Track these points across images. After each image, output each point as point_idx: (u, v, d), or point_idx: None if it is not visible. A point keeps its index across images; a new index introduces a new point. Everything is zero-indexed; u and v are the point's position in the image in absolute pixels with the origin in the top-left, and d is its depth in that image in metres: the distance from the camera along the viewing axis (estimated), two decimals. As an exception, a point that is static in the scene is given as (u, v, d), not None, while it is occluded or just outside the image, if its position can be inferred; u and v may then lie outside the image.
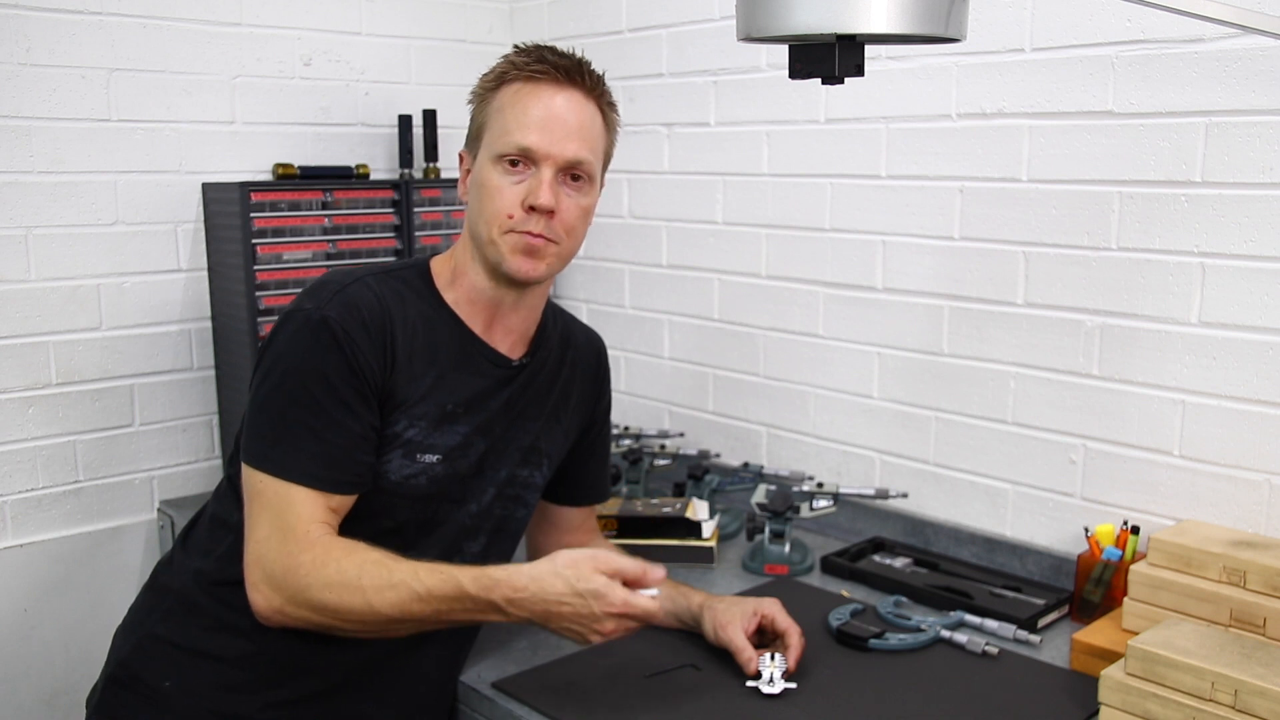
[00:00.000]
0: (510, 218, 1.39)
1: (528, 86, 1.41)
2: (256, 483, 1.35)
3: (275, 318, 2.17)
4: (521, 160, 1.39)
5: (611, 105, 1.48)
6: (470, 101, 1.48)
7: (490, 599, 1.29)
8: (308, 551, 1.31)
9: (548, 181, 1.39)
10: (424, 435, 1.42)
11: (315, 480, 1.34)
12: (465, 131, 1.49)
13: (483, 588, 1.29)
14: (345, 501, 1.38)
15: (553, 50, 1.44)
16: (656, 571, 1.31)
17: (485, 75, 1.47)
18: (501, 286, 1.45)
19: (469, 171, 1.48)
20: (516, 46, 1.47)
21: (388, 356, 1.38)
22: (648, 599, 1.28)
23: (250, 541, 1.35)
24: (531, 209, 1.39)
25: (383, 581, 1.29)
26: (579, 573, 1.27)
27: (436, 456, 1.43)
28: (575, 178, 1.42)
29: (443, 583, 1.29)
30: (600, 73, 1.46)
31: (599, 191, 1.48)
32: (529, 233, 1.40)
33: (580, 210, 1.44)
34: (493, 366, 1.49)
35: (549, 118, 1.39)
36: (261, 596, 1.33)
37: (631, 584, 1.29)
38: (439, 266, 1.50)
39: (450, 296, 1.47)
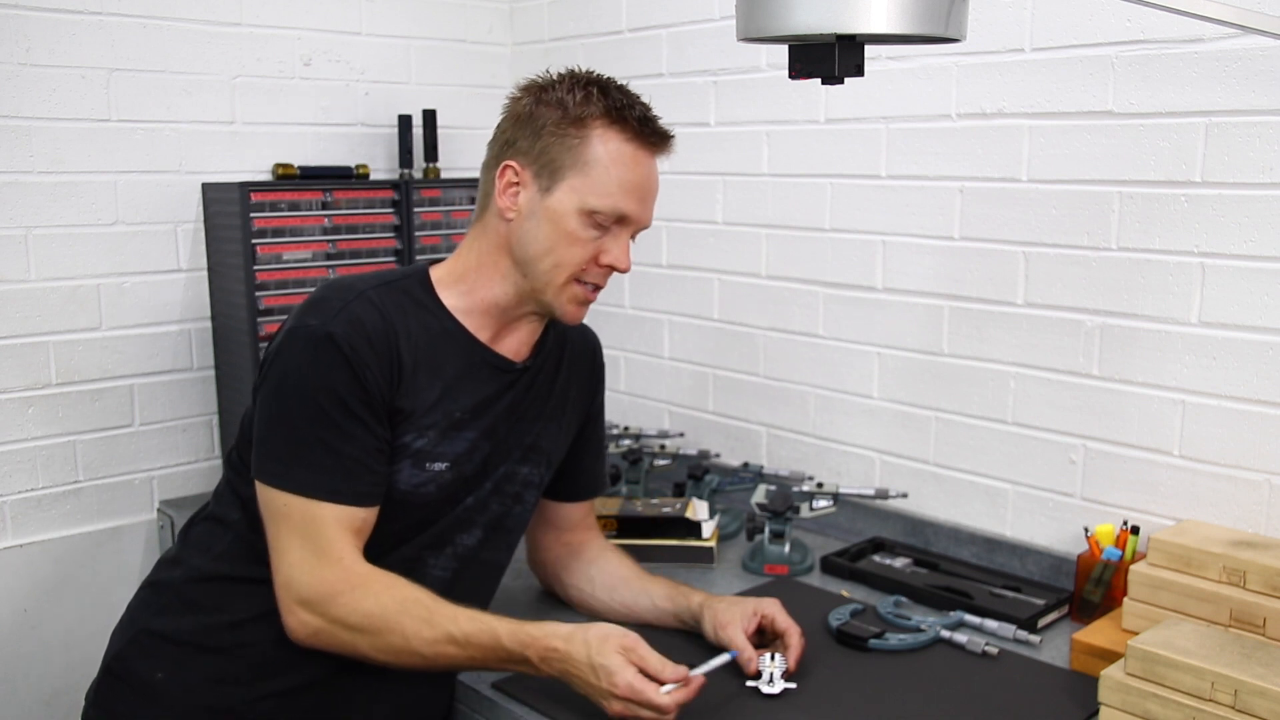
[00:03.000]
0: (583, 270, 1.43)
1: (639, 152, 1.42)
2: (279, 503, 1.35)
3: (275, 318, 2.20)
4: (611, 221, 1.42)
5: None
6: (551, 129, 1.41)
7: (524, 654, 1.32)
8: (344, 579, 1.33)
9: (627, 246, 1.44)
10: (432, 444, 1.43)
11: (337, 495, 1.34)
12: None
13: (519, 643, 1.32)
14: (369, 518, 1.38)
15: (650, 112, 1.44)
16: (677, 670, 1.30)
17: (567, 97, 1.40)
18: (526, 311, 1.48)
19: (515, 186, 1.43)
20: (598, 76, 1.43)
21: (394, 371, 1.39)
22: (656, 690, 1.28)
23: (281, 565, 1.35)
24: (608, 267, 1.44)
25: (422, 621, 1.32)
26: (601, 646, 1.29)
27: (445, 464, 1.44)
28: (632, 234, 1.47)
29: (480, 631, 1.32)
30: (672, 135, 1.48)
31: None
32: (593, 285, 1.45)
33: None
34: (499, 372, 1.49)
35: (646, 188, 1.44)
36: (297, 620, 1.34)
37: (650, 676, 1.29)
38: (441, 275, 1.49)
39: (459, 306, 1.47)
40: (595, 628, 1.32)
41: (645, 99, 1.46)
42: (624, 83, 1.47)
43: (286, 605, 1.35)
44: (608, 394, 1.77)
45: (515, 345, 1.51)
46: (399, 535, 1.44)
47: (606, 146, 1.40)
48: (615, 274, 1.48)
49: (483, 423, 1.47)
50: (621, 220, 1.42)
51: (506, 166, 1.44)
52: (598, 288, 1.47)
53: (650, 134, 1.43)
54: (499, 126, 1.47)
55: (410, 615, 1.32)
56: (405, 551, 1.45)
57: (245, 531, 1.45)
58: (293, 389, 1.36)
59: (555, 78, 1.45)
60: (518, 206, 1.43)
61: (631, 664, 1.28)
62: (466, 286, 1.47)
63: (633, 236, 1.47)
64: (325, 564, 1.33)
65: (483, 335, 1.48)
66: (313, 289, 1.45)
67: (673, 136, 1.47)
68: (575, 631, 1.31)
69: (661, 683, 1.29)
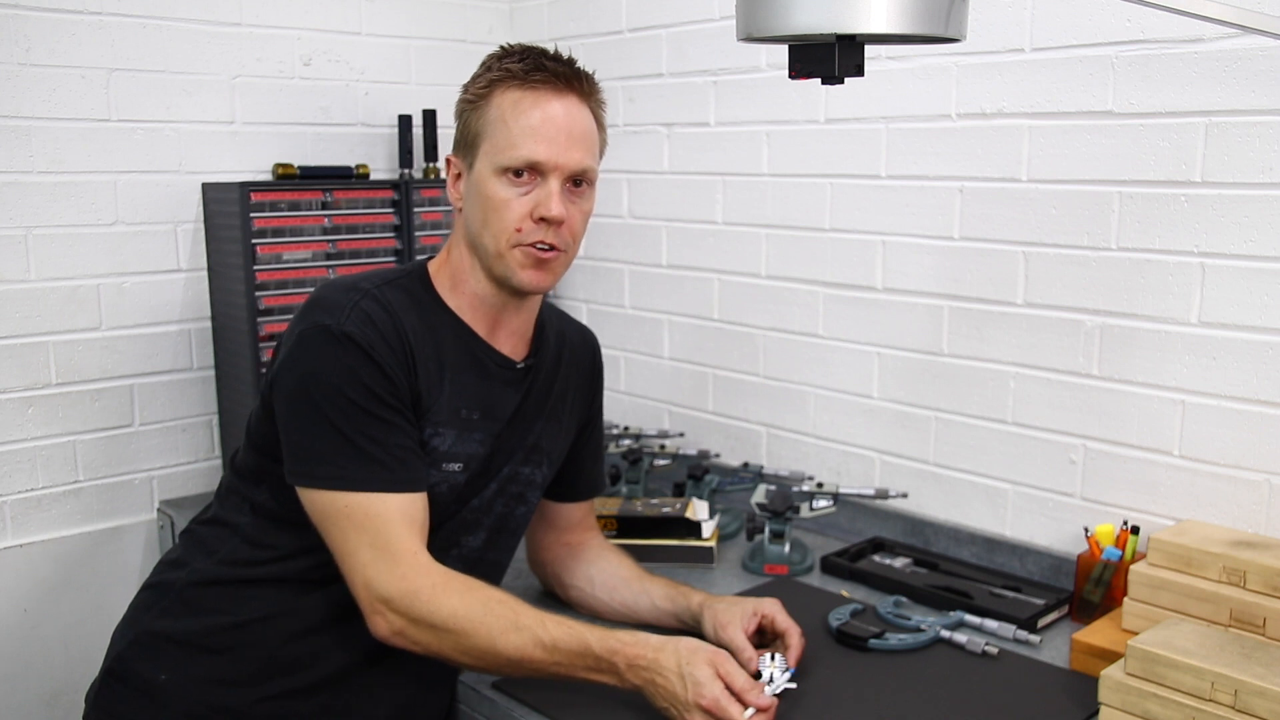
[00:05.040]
0: (519, 230, 1.40)
1: (527, 95, 1.39)
2: (339, 505, 1.34)
3: (275, 318, 2.20)
4: (527, 172, 1.39)
5: (602, 104, 1.48)
6: (459, 106, 1.46)
7: (612, 661, 1.32)
8: (424, 576, 1.32)
9: (556, 193, 1.39)
10: (448, 445, 1.43)
11: (395, 485, 1.35)
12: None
13: (608, 649, 1.32)
14: (425, 506, 1.39)
15: (545, 54, 1.42)
16: (761, 699, 1.30)
17: (475, 80, 1.45)
18: (505, 293, 1.46)
19: (459, 176, 1.47)
20: (503, 48, 1.45)
21: (409, 364, 1.39)
22: (739, 710, 1.28)
23: (356, 567, 1.34)
24: (542, 220, 1.39)
25: (508, 623, 1.31)
26: (692, 658, 1.30)
27: (459, 465, 1.45)
28: (577, 184, 1.43)
29: (568, 636, 1.32)
30: (591, 72, 1.46)
31: (596, 191, 1.49)
32: (538, 244, 1.40)
33: (584, 215, 1.45)
34: (500, 369, 1.49)
35: (553, 128, 1.39)
36: (383, 620, 1.33)
37: (735, 694, 1.29)
38: (436, 271, 1.49)
39: (452, 302, 1.47)
40: (686, 640, 1.33)
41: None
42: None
43: (370, 606, 1.33)
44: (608, 394, 1.78)
45: (511, 342, 1.51)
46: None
47: (502, 101, 1.40)
48: (580, 240, 1.45)
49: (492, 425, 1.48)
50: (536, 168, 1.39)
51: (448, 161, 1.48)
52: (549, 246, 1.41)
53: (539, 74, 1.39)
54: None
55: (496, 617, 1.31)
56: None
57: (252, 534, 1.45)
58: (321, 391, 1.35)
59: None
60: (460, 194, 1.46)
61: (720, 679, 1.29)
62: (455, 283, 1.48)
63: (574, 184, 1.42)
64: (400, 562, 1.32)
65: (479, 329, 1.48)
66: (312, 289, 1.45)
67: (576, 70, 1.42)
68: (666, 642, 1.32)
69: (745, 704, 1.29)
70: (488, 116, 1.41)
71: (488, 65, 1.44)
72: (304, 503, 1.37)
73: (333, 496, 1.34)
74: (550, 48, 1.45)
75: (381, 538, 1.33)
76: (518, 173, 1.39)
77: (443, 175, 2.49)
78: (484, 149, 1.41)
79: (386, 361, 1.36)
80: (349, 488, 1.33)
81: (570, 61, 1.43)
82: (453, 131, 2.58)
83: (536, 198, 1.39)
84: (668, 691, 1.30)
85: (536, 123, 1.38)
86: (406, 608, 1.31)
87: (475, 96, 1.43)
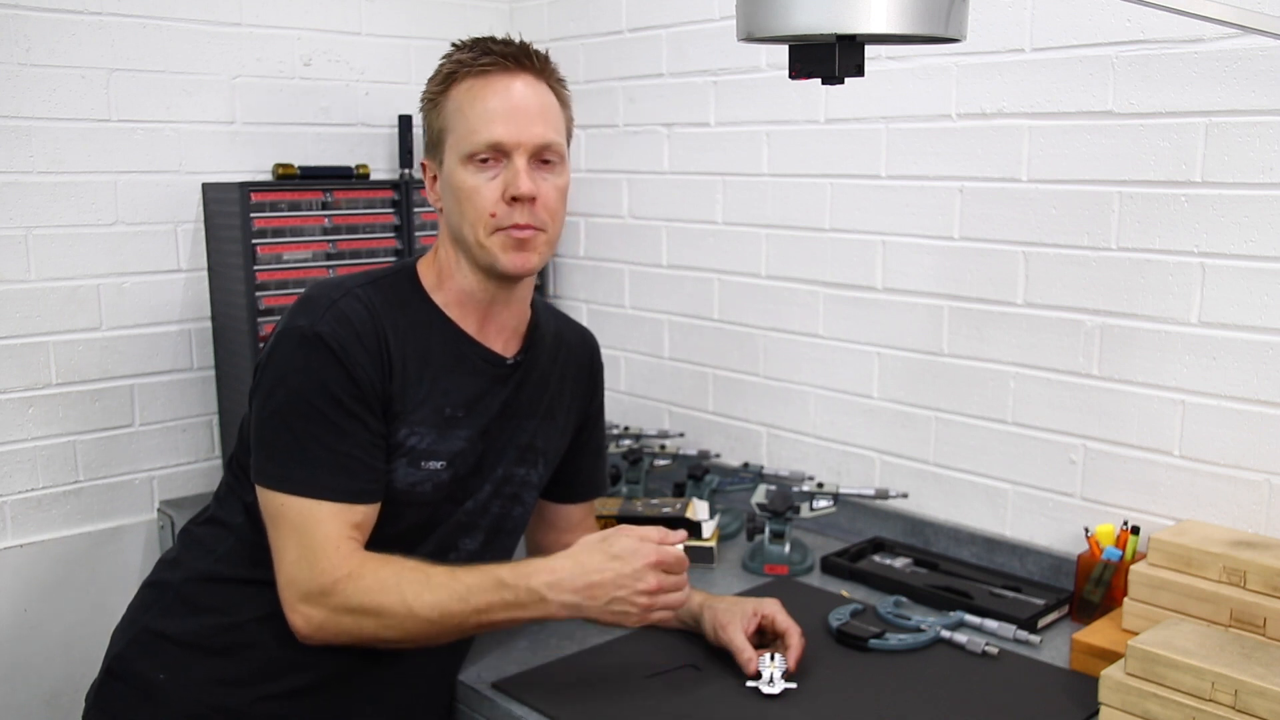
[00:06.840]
0: (494, 215, 1.40)
1: (479, 81, 1.41)
2: (277, 505, 1.35)
3: (275, 318, 2.20)
4: (492, 155, 1.40)
5: (561, 81, 1.48)
6: (422, 109, 1.48)
7: (529, 585, 1.32)
8: (341, 567, 1.33)
9: (523, 170, 1.40)
10: (428, 443, 1.43)
11: (334, 493, 1.35)
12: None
13: (521, 574, 1.33)
14: (369, 515, 1.38)
15: (493, 40, 1.44)
16: (675, 533, 1.37)
17: (431, 80, 1.46)
18: (493, 285, 1.46)
19: (435, 178, 1.48)
20: (454, 44, 1.47)
21: (384, 365, 1.39)
22: (676, 548, 1.34)
23: (281, 565, 1.35)
24: (514, 200, 1.39)
25: (421, 585, 1.32)
26: (610, 540, 1.34)
27: (441, 463, 1.44)
28: (546, 160, 1.43)
29: (481, 578, 1.33)
30: (545, 51, 1.46)
31: (569, 169, 1.49)
32: (516, 226, 1.40)
33: (558, 191, 1.45)
34: (488, 366, 1.49)
35: (510, 107, 1.40)
36: (300, 617, 1.34)
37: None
38: (424, 269, 1.50)
39: (440, 299, 1.48)
40: (587, 539, 1.38)
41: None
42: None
43: (289, 604, 1.35)
44: (608, 394, 1.77)
45: (502, 338, 1.51)
46: (402, 541, 1.44)
47: (459, 93, 1.42)
48: (562, 222, 1.47)
49: (476, 421, 1.47)
50: (499, 150, 1.39)
51: (423, 166, 1.49)
52: (526, 226, 1.41)
53: (487, 59, 1.41)
54: None
55: (408, 582, 1.32)
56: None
57: (247, 534, 1.45)
58: (285, 391, 1.36)
59: None
60: (438, 194, 1.47)
61: (642, 538, 1.35)
62: (441, 280, 1.49)
63: (542, 161, 1.42)
64: (321, 557, 1.33)
65: (467, 326, 1.48)
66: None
67: (525, 49, 1.43)
68: (576, 549, 1.36)
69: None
70: (447, 111, 1.43)
71: (441, 65, 1.46)
72: (258, 500, 1.39)
73: (273, 495, 1.36)
74: (500, 33, 1.47)
75: (309, 540, 1.33)
76: (483, 158, 1.40)
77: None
78: (449, 143, 1.42)
79: (357, 363, 1.36)
80: (289, 489, 1.35)
81: (518, 43, 1.44)
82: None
83: (505, 179, 1.40)
84: (607, 582, 1.32)
85: (493, 106, 1.39)
86: (326, 600, 1.32)
87: (433, 95, 1.45)
